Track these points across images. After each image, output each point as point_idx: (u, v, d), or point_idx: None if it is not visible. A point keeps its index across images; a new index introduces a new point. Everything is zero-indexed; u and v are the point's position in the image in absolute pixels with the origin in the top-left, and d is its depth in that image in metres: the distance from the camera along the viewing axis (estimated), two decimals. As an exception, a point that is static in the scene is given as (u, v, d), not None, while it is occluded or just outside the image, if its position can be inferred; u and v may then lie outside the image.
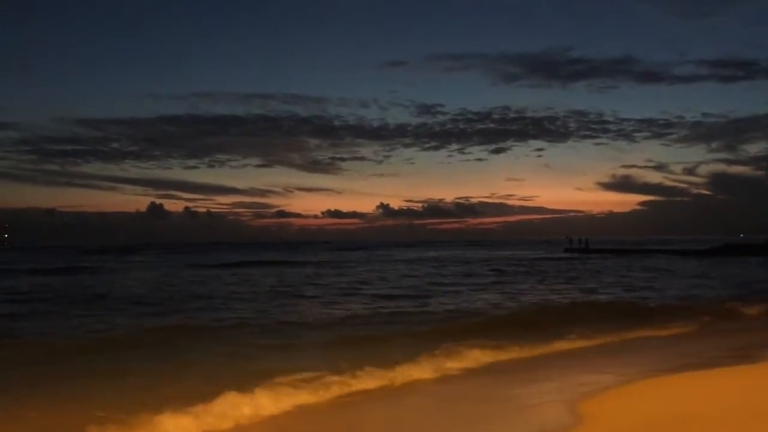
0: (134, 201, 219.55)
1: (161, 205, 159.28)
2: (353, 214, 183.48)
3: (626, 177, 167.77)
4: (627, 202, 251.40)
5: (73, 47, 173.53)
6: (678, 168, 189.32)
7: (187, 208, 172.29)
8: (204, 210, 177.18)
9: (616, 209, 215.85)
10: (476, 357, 11.48)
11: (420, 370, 10.44)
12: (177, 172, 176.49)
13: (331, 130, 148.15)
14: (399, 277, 35.48)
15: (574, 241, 78.67)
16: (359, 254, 78.89)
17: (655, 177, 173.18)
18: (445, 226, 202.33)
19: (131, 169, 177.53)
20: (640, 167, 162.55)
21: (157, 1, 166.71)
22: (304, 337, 14.12)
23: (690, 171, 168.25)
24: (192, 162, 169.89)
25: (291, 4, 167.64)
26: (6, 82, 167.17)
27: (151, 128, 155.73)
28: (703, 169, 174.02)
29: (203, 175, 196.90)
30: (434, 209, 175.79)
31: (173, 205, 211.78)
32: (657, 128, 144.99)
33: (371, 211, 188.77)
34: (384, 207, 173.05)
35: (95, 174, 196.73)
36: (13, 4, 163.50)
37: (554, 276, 35.71)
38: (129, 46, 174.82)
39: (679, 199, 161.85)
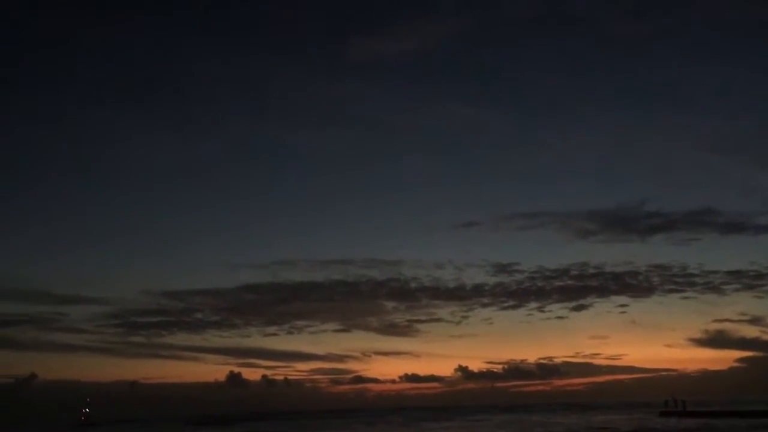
0: (214, 370, 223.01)
1: (239, 373, 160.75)
2: (431, 378, 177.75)
3: (720, 332, 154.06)
4: (723, 358, 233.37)
5: (160, 222, 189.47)
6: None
7: (264, 376, 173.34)
8: (281, 377, 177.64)
9: (712, 367, 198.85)
10: None
11: None
12: (256, 339, 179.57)
13: (407, 293, 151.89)
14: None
15: (670, 403, 74.26)
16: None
17: (751, 331, 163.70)
18: (529, 388, 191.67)
19: (212, 338, 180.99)
20: (733, 321, 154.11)
21: (236, 176, 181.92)
22: None
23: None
24: (271, 329, 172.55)
25: (364, 172, 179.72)
26: (96, 257, 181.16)
27: (232, 297, 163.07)
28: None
29: (282, 342, 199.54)
30: (516, 371, 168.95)
31: (252, 374, 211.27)
32: (747, 279, 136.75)
33: (450, 374, 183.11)
34: (463, 369, 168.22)
35: (178, 345, 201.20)
36: (97, 183, 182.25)
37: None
38: (212, 219, 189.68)
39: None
